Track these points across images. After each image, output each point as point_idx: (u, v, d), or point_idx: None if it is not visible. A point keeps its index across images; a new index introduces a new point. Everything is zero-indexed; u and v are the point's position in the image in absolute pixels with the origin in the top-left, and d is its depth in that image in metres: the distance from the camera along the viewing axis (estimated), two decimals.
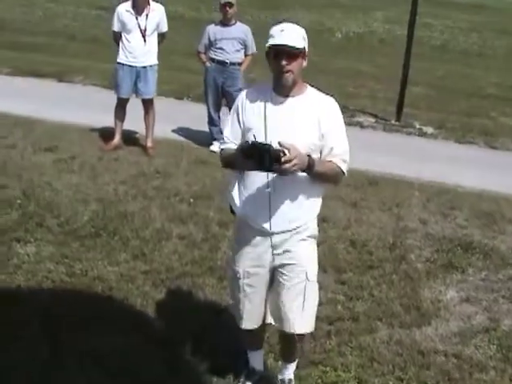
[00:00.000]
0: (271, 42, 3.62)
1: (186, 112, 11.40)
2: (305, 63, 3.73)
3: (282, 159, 3.39)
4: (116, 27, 9.00)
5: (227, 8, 9.25)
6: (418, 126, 12.69)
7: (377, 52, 25.60)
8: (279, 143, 3.43)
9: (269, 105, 3.73)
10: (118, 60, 9.05)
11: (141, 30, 8.81)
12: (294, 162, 3.44)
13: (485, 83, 20.53)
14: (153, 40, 8.99)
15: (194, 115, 10.58)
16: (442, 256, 6.58)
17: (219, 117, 9.70)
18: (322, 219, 7.16)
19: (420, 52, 26.59)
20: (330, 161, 3.77)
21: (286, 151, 3.41)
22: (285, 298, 3.91)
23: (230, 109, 4.03)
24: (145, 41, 8.86)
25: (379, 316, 5.37)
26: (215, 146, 9.44)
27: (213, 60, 9.48)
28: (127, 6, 8.85)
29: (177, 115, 10.90)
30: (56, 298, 5.02)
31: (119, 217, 6.57)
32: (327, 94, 3.91)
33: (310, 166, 3.59)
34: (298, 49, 3.61)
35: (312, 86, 3.87)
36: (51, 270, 5.47)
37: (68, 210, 6.53)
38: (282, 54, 3.60)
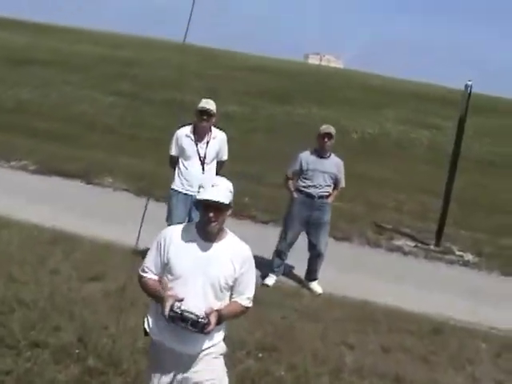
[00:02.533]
0: (202, 195, 4.01)
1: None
2: (230, 212, 4.12)
3: (206, 329, 3.96)
4: (174, 151, 8.47)
5: (326, 139, 8.79)
6: (457, 253, 12.34)
7: (393, 156, 25.54)
8: (205, 313, 3.97)
9: (193, 247, 4.12)
10: (173, 186, 8.53)
11: (200, 158, 8.28)
12: (213, 326, 4.00)
13: (503, 198, 20.35)
14: (212, 168, 8.40)
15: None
16: None
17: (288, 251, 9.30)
18: (396, 379, 6.67)
19: (434, 157, 26.67)
20: (236, 301, 4.24)
21: (211, 318, 3.97)
22: None
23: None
24: (203, 169, 8.29)
25: None
26: (271, 279, 8.99)
27: (301, 191, 8.99)
28: (187, 130, 8.34)
29: None
30: None
31: None
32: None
33: (220, 321, 4.08)
34: (224, 204, 4.02)
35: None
36: None
37: (131, 364, 5.96)
38: (210, 206, 4.01)
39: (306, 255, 9.33)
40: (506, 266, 11.80)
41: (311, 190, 8.91)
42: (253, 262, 4.29)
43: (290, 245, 9.25)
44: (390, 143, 28.12)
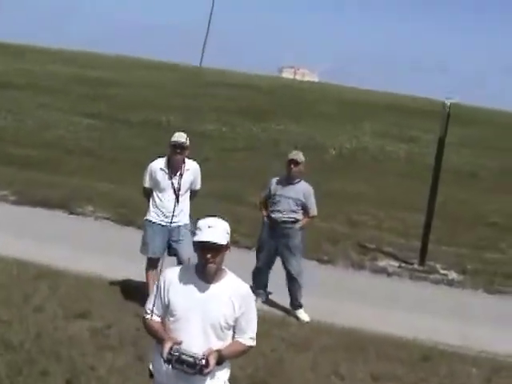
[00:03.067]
0: (198, 237, 4.07)
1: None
2: (228, 252, 4.18)
3: (204, 371, 3.98)
4: (147, 184, 8.59)
5: (292, 166, 8.86)
6: (441, 271, 12.38)
7: (371, 170, 25.59)
8: (204, 355, 4.00)
9: (192, 289, 4.18)
10: (148, 217, 8.61)
11: (174, 190, 8.36)
12: (211, 367, 4.01)
13: (485, 211, 20.44)
14: (186, 198, 8.56)
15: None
16: None
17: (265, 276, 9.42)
18: None
19: (412, 171, 26.76)
20: (238, 341, 4.26)
21: (210, 359, 3.98)
22: None
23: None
24: (178, 200, 8.32)
25: None
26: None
27: (269, 216, 9.10)
28: (161, 163, 8.45)
29: None
30: None
31: None
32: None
33: (220, 361, 4.11)
34: (222, 245, 4.09)
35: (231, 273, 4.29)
36: None
37: None
38: (207, 248, 4.06)
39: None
40: (490, 284, 11.86)
41: (275, 215, 9.03)
42: (253, 300, 4.36)
43: (262, 269, 9.37)
44: (368, 157, 28.22)
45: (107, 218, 13.18)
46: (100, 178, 18.24)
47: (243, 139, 28.85)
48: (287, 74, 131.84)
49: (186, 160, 8.47)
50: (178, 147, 8.23)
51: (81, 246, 10.86)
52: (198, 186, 8.74)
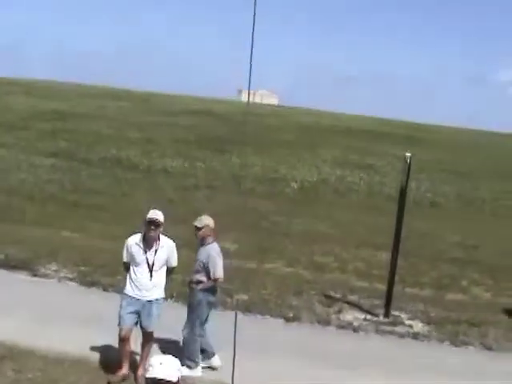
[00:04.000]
0: (150, 373, 4.18)
1: None
2: None
3: None
4: (125, 258, 8.93)
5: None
6: (406, 322, 12.51)
7: (333, 205, 25.79)
8: None
9: None
10: (124, 291, 8.90)
11: (148, 265, 8.69)
12: None
13: (446, 245, 20.72)
14: (160, 275, 8.86)
15: None
16: None
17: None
18: None
19: (373, 204, 27.04)
20: None
21: None
22: None
23: None
24: (151, 275, 8.70)
25: None
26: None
27: None
28: (137, 238, 8.80)
29: None
30: None
31: None
32: None
33: None
34: (171, 381, 4.20)
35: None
36: None
37: None
38: (159, 381, 4.16)
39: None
40: (454, 335, 11.99)
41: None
42: None
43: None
44: (329, 190, 28.42)
45: (71, 279, 13.04)
46: (62, 226, 18.15)
47: (204, 175, 28.87)
48: (246, 95, 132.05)
49: (161, 237, 8.83)
50: (153, 224, 8.60)
51: (46, 317, 10.66)
52: (173, 264, 9.05)
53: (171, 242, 8.94)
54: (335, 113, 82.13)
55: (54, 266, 13.71)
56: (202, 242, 9.28)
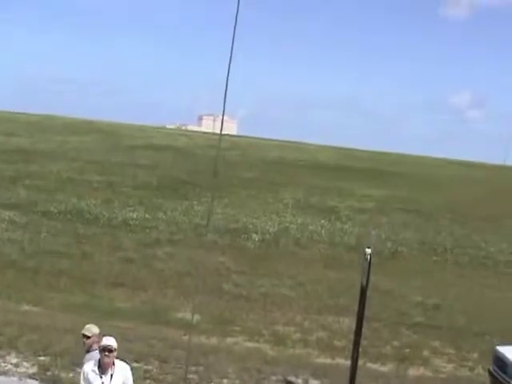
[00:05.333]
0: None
1: None
2: None
3: None
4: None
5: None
6: None
7: (294, 258, 25.82)
8: None
9: None
10: None
11: None
12: None
13: (408, 306, 20.83)
14: None
15: None
16: None
17: None
18: None
19: (335, 255, 27.13)
20: None
21: None
22: None
23: None
24: None
25: None
26: None
27: None
28: (92, 365, 8.93)
29: None
30: None
31: None
32: None
33: None
34: None
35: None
36: None
37: None
38: None
39: None
40: None
41: None
42: None
43: None
44: (291, 242, 28.42)
45: (32, 376, 12.82)
46: (21, 298, 18.00)
47: (166, 227, 28.78)
48: (207, 122, 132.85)
49: (116, 361, 8.95)
50: (106, 350, 8.76)
51: None
52: None
53: (126, 365, 9.10)
54: (299, 142, 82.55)
55: (13, 359, 13.46)
56: (88, 350, 9.39)
